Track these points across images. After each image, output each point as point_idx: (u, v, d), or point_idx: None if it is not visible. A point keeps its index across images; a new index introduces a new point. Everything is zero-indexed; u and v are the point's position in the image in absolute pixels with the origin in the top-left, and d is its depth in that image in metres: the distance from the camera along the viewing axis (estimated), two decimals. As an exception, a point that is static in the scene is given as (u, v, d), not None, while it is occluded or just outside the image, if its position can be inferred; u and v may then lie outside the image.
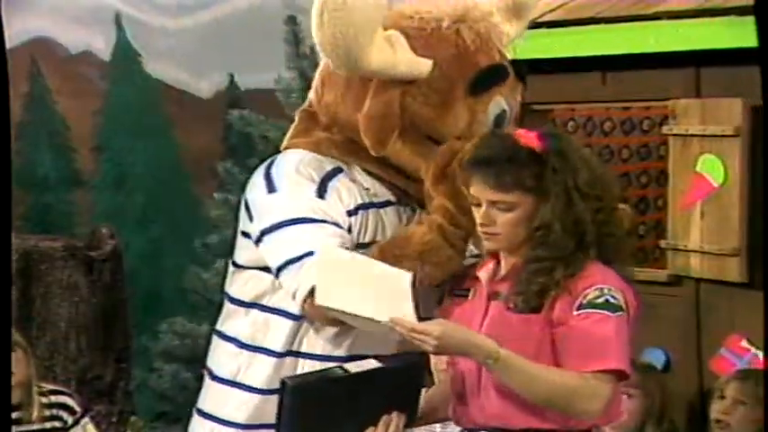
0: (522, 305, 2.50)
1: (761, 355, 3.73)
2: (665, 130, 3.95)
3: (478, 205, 2.53)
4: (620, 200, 2.64)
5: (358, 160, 2.52)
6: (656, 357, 3.77)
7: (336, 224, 2.45)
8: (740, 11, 3.61)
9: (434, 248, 2.46)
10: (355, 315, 2.44)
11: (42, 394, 3.99)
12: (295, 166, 2.50)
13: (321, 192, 2.47)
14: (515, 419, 2.52)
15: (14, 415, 3.92)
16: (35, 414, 3.93)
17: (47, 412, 3.96)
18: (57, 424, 3.98)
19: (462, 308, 2.60)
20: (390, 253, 2.45)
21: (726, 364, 3.79)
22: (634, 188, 4.43)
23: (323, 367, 2.51)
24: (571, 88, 4.16)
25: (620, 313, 2.47)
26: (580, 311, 2.46)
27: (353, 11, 2.32)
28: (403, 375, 2.55)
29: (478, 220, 2.52)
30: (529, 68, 4.09)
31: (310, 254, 2.40)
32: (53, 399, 3.99)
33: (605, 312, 2.45)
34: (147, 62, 7.72)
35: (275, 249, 2.46)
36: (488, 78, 2.47)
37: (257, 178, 2.55)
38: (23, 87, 7.71)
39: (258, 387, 2.56)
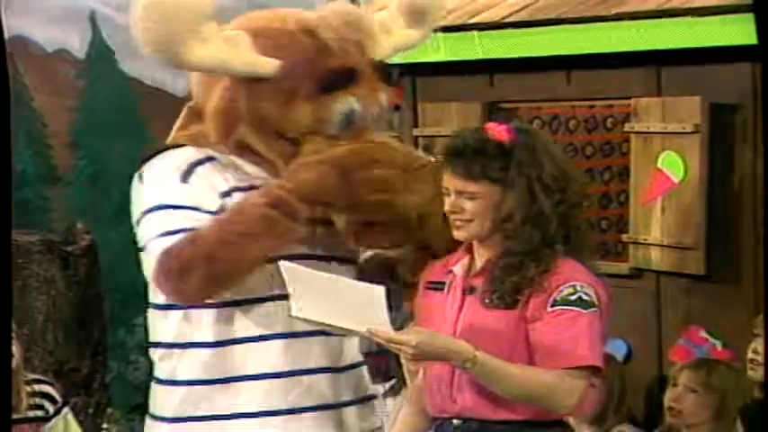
0: (497, 301, 2.51)
1: (719, 345, 3.76)
2: (627, 127, 3.96)
3: (449, 195, 2.56)
4: (585, 196, 2.66)
5: (230, 149, 2.56)
6: (617, 348, 3.79)
7: (197, 208, 2.48)
8: (699, 12, 3.63)
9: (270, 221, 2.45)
10: (333, 326, 2.46)
11: (26, 383, 3.97)
12: (162, 160, 2.56)
13: (185, 177, 2.51)
14: (488, 411, 2.54)
15: None
16: (23, 403, 3.92)
17: (30, 401, 3.94)
18: (39, 413, 3.96)
19: (437, 301, 2.61)
20: (230, 230, 2.44)
21: (685, 353, 3.80)
22: (597, 184, 4.45)
23: (262, 351, 2.53)
24: (537, 87, 4.17)
25: (593, 309, 2.48)
26: (554, 308, 2.46)
27: (174, 7, 2.38)
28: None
29: (447, 209, 2.55)
30: (496, 67, 4.15)
31: (162, 234, 2.45)
32: (36, 387, 3.97)
33: (578, 309, 2.46)
34: (122, 60, 7.69)
35: (140, 236, 2.52)
36: (334, 80, 2.50)
37: (135, 177, 2.62)
38: None
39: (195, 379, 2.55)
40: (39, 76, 7.87)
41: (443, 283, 2.62)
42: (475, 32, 4.13)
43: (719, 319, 3.74)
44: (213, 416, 2.53)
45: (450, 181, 2.54)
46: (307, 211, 2.46)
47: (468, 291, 2.56)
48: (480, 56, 4.13)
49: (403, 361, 4.00)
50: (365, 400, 2.70)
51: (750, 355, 3.24)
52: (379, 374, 4.30)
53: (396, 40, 2.68)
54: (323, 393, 2.58)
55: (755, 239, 3.69)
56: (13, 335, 3.94)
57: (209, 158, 2.56)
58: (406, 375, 4.05)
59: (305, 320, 2.43)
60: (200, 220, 2.46)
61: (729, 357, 3.65)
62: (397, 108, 4.62)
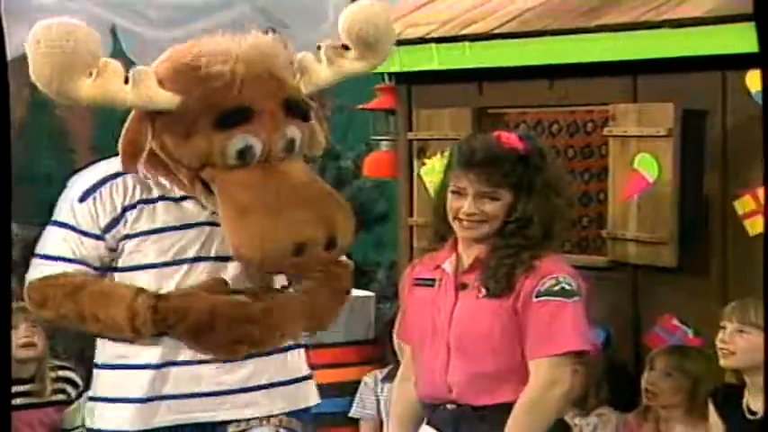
0: (494, 287, 2.54)
1: (690, 332, 3.78)
2: (605, 131, 3.97)
3: (462, 196, 2.59)
4: (573, 195, 2.70)
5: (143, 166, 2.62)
6: (596, 335, 3.81)
7: (81, 231, 2.61)
8: (673, 24, 3.63)
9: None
10: None
11: (51, 369, 3.99)
12: (85, 172, 2.68)
13: (86, 194, 2.62)
14: (481, 397, 2.57)
15: (28, 387, 3.92)
16: (48, 388, 3.93)
17: (54, 386, 3.96)
18: (62, 397, 3.98)
19: (428, 296, 2.63)
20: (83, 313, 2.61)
21: (659, 339, 3.82)
22: (578, 183, 4.48)
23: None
24: (522, 94, 4.18)
25: (576, 298, 2.53)
26: (539, 299, 2.50)
27: (66, 48, 2.41)
28: None
29: (465, 210, 2.58)
30: (485, 76, 4.16)
31: (43, 256, 2.65)
32: (59, 373, 3.99)
33: (561, 299, 2.50)
34: (140, 70, 7.68)
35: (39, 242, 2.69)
36: (228, 118, 2.50)
37: None
38: (26, 94, 7.66)
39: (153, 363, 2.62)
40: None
41: (433, 280, 2.64)
42: (466, 43, 4.14)
43: (690, 308, 3.76)
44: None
45: (472, 185, 2.58)
46: (155, 332, 2.54)
47: (461, 287, 2.58)
48: (470, 65, 4.15)
49: (397, 350, 4.04)
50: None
51: (719, 344, 3.25)
52: (375, 362, 4.33)
53: (337, 70, 2.66)
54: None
55: (723, 235, 3.71)
56: (39, 326, 3.96)
57: (119, 174, 2.62)
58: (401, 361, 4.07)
59: None
60: (80, 245, 2.59)
61: (699, 344, 3.67)
62: (392, 113, 4.65)
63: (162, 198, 2.61)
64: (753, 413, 3.20)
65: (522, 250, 2.55)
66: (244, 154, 2.51)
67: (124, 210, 2.60)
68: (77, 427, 3.98)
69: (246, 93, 2.50)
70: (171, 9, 8.05)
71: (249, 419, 2.60)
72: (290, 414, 2.62)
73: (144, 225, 2.61)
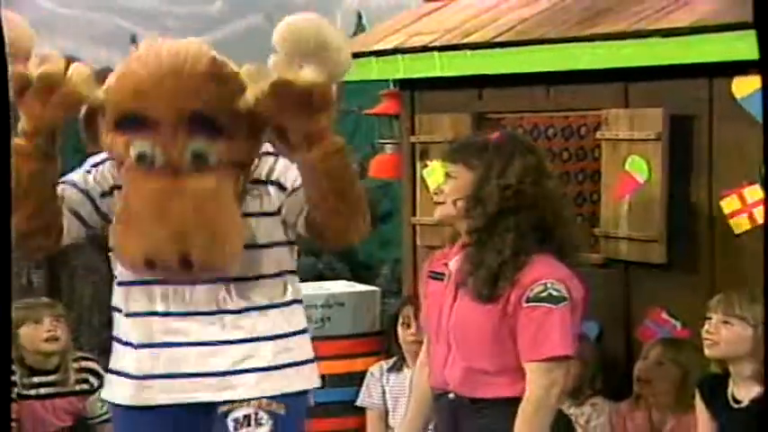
0: (478, 297, 2.53)
1: (678, 325, 3.77)
2: (598, 135, 3.97)
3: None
4: (555, 198, 2.65)
5: None
6: (590, 329, 3.81)
7: (83, 189, 2.66)
8: (663, 33, 3.63)
9: None
10: None
11: (74, 360, 3.99)
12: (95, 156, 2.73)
13: (90, 169, 2.70)
14: (476, 390, 2.56)
15: (52, 378, 3.93)
16: (71, 378, 3.94)
17: (77, 376, 3.97)
18: (85, 386, 3.99)
19: (439, 290, 2.64)
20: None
21: (649, 332, 3.82)
22: (572, 184, 4.47)
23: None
24: (520, 100, 4.18)
25: (563, 303, 2.50)
26: (528, 304, 2.49)
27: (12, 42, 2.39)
28: None
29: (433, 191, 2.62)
30: (485, 82, 4.16)
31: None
32: (83, 364, 4.00)
33: (548, 305, 2.49)
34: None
35: None
36: (124, 123, 2.51)
37: None
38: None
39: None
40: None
41: (443, 275, 2.64)
42: (467, 51, 4.14)
43: (679, 302, 3.76)
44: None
45: (445, 167, 2.61)
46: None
47: (461, 285, 2.58)
48: (471, 72, 4.14)
49: (401, 342, 4.03)
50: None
51: (704, 335, 3.24)
52: (380, 353, 4.33)
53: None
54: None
55: (710, 233, 3.70)
56: (63, 319, 3.97)
57: (105, 160, 2.68)
58: (405, 355, 4.08)
59: None
60: (77, 193, 2.64)
61: (687, 335, 3.67)
62: (396, 117, 4.65)
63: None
64: (737, 401, 3.20)
65: (497, 255, 2.52)
66: (142, 159, 2.49)
67: (112, 188, 2.63)
68: (100, 416, 3.99)
69: (150, 101, 2.46)
70: (189, 18, 8.07)
71: (234, 401, 2.56)
72: (275, 397, 2.58)
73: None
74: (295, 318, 2.66)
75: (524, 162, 2.56)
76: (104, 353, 4.91)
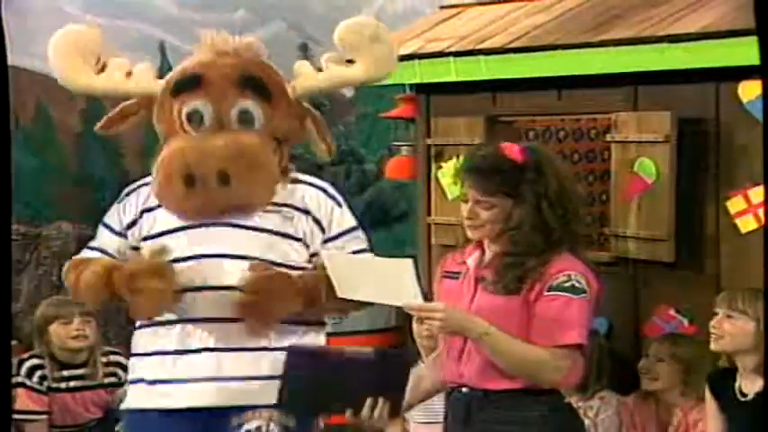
0: (502, 290, 2.53)
1: (686, 322, 3.76)
2: (608, 137, 3.97)
3: (467, 201, 2.58)
4: (583, 208, 2.66)
5: None
6: (599, 324, 3.81)
7: (109, 226, 2.72)
8: (671, 39, 3.62)
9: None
10: (373, 302, 2.49)
11: (103, 354, 4.02)
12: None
13: (122, 199, 2.73)
14: (490, 383, 2.57)
15: (81, 372, 3.96)
16: (100, 371, 3.96)
17: (105, 369, 3.99)
18: (113, 379, 4.01)
19: (453, 287, 2.64)
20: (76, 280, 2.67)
21: (657, 329, 3.82)
22: (582, 185, 4.46)
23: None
24: (532, 103, 4.18)
25: (583, 295, 2.51)
26: (549, 293, 2.50)
27: (69, 47, 2.60)
28: (388, 365, 2.51)
29: (464, 215, 2.58)
30: (498, 87, 4.17)
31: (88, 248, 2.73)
32: (111, 358, 4.02)
33: (569, 295, 2.50)
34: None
35: None
36: (180, 85, 2.60)
37: None
38: (82, 104, 7.72)
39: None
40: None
41: (458, 273, 2.65)
42: (481, 57, 4.15)
43: (686, 300, 3.76)
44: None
45: (470, 192, 2.57)
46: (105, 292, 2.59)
47: (480, 279, 2.59)
48: (485, 77, 4.15)
49: (416, 337, 4.04)
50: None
51: (710, 329, 3.24)
52: (396, 347, 4.33)
53: (332, 77, 2.67)
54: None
55: (716, 232, 3.70)
56: (92, 317, 3.99)
57: (144, 184, 2.69)
58: (420, 350, 4.08)
59: (351, 300, 2.48)
60: (108, 238, 2.69)
61: (695, 332, 3.66)
62: (412, 120, 4.66)
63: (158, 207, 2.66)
64: (744, 395, 3.19)
65: (529, 257, 2.53)
66: (192, 117, 2.56)
67: (142, 212, 2.65)
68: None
69: (203, 66, 2.59)
70: (213, 27, 8.12)
71: (248, 407, 2.56)
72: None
73: (161, 226, 2.63)
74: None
75: (558, 181, 2.54)
76: (130, 347, 4.96)
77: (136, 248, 2.66)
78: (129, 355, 4.04)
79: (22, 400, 3.89)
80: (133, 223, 2.66)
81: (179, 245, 2.58)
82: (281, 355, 2.52)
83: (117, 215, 2.69)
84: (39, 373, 3.94)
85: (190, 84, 2.58)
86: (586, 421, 3.56)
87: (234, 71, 2.58)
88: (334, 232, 2.66)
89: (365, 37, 2.64)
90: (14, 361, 3.90)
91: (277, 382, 2.51)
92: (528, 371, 2.52)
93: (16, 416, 3.82)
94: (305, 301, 2.55)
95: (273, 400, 2.51)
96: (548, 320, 2.50)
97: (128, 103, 2.71)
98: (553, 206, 2.53)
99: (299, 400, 2.47)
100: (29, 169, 7.33)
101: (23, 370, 3.93)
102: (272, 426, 2.55)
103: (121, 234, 2.68)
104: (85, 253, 2.72)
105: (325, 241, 2.65)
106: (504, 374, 2.53)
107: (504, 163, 2.55)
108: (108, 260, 2.62)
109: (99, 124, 2.75)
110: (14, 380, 3.85)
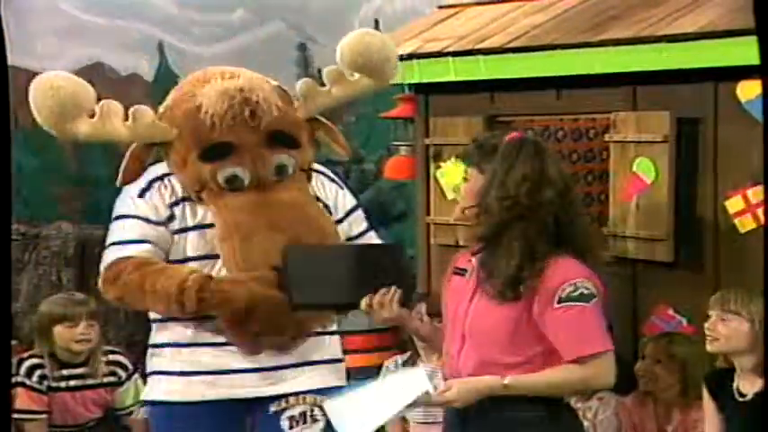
0: (498, 297, 2.50)
1: (684, 321, 3.76)
2: (606, 137, 3.97)
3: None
4: (570, 201, 2.61)
5: None
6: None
7: (146, 219, 2.68)
8: (670, 39, 3.62)
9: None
10: (385, 422, 2.50)
11: (103, 354, 4.01)
12: (137, 181, 2.74)
13: (143, 192, 2.70)
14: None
15: (81, 371, 3.96)
16: (99, 371, 3.96)
17: (106, 369, 3.98)
18: (113, 379, 4.00)
19: (460, 285, 2.61)
20: (143, 287, 2.67)
21: (656, 328, 3.82)
22: (581, 185, 4.47)
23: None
24: (531, 103, 4.18)
25: (594, 300, 2.48)
26: (561, 305, 2.44)
27: (60, 96, 2.51)
28: (387, 253, 2.65)
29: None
30: (497, 86, 4.16)
31: (114, 243, 2.70)
32: (111, 357, 4.01)
33: (582, 304, 2.45)
34: (184, 82, 7.73)
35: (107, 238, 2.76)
36: (213, 153, 2.59)
37: None
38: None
39: None
40: (114, 95, 7.91)
41: (466, 270, 2.62)
42: (480, 57, 4.14)
43: (685, 300, 3.75)
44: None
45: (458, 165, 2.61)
46: (196, 311, 2.60)
47: (481, 283, 2.56)
48: (484, 77, 4.14)
49: (415, 339, 4.03)
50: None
51: (706, 331, 3.24)
52: (396, 347, 4.34)
53: (341, 91, 2.70)
54: None
55: (715, 232, 3.70)
56: (96, 318, 3.98)
57: (168, 174, 2.70)
58: (419, 350, 4.08)
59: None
60: (147, 229, 2.65)
61: (693, 331, 3.66)
62: (411, 120, 4.66)
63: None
64: (742, 395, 3.19)
65: (509, 262, 2.49)
66: (232, 181, 2.60)
67: (171, 206, 2.67)
68: (127, 407, 4.01)
69: (231, 129, 2.58)
70: (212, 26, 8.09)
71: (288, 395, 2.62)
72: (323, 392, 2.63)
73: (189, 220, 2.67)
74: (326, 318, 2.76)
75: (524, 169, 2.47)
76: (130, 346, 4.96)
77: (169, 241, 2.68)
78: (128, 354, 4.11)
79: (22, 399, 3.88)
80: (169, 217, 2.68)
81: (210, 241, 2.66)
82: (317, 341, 2.65)
83: (149, 207, 2.68)
84: (38, 372, 3.93)
85: (222, 153, 2.60)
86: (585, 423, 3.56)
87: (262, 132, 2.61)
88: (340, 214, 2.78)
89: (373, 59, 2.68)
90: (14, 360, 3.90)
91: (318, 367, 2.63)
92: (567, 391, 2.52)
93: (16, 415, 3.81)
94: None
95: (316, 386, 2.61)
96: (566, 334, 2.45)
97: (135, 148, 2.69)
98: (514, 193, 2.45)
99: (308, 292, 2.52)
100: (29, 169, 7.32)
101: (23, 369, 3.92)
102: (315, 410, 2.57)
103: (162, 224, 2.68)
104: (131, 248, 2.67)
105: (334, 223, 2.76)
106: (503, 373, 2.51)
107: (489, 142, 2.56)
108: (186, 270, 2.62)
109: (120, 180, 2.75)
110: (14, 379, 3.84)
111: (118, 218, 2.73)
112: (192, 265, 2.66)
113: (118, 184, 2.73)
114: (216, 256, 2.65)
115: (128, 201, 2.71)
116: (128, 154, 2.69)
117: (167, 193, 2.69)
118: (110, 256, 2.71)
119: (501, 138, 2.55)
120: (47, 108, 2.49)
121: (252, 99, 2.60)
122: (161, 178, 2.71)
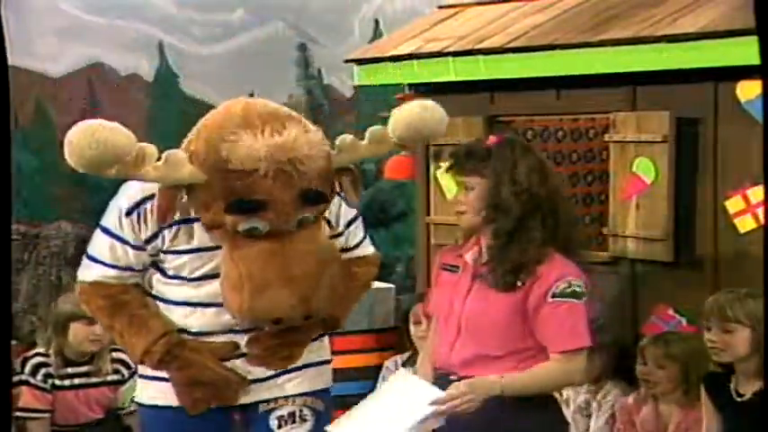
0: (495, 285, 2.58)
1: (684, 321, 3.76)
2: (606, 137, 3.97)
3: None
4: (560, 197, 2.67)
5: None
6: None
7: (125, 241, 2.66)
8: (669, 39, 3.62)
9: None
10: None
11: (107, 352, 4.02)
12: (133, 185, 2.67)
13: (131, 210, 2.65)
14: (480, 373, 2.59)
15: (86, 369, 3.96)
16: (104, 369, 3.97)
17: (110, 367, 3.99)
18: (116, 377, 4.01)
19: (452, 280, 2.70)
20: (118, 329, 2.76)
21: (655, 328, 3.82)
22: (581, 186, 4.48)
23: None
24: (530, 103, 4.18)
25: (584, 299, 2.57)
26: (554, 300, 2.56)
27: (101, 150, 2.41)
28: None
29: (452, 202, 2.67)
30: (496, 87, 4.17)
31: (89, 256, 2.72)
32: (114, 355, 4.02)
33: (573, 301, 2.56)
34: (183, 82, 7.74)
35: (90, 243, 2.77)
36: (243, 207, 2.52)
37: None
38: (82, 104, 7.72)
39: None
40: (114, 95, 7.94)
41: (457, 267, 2.68)
42: (480, 57, 4.15)
43: (684, 299, 3.76)
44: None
45: (455, 177, 2.66)
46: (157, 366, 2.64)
47: (477, 276, 2.62)
48: (484, 77, 4.15)
49: (413, 338, 4.05)
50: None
51: (708, 344, 3.23)
52: (395, 347, 4.34)
53: (378, 148, 2.70)
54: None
55: (714, 232, 3.70)
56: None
57: None
58: (418, 347, 4.09)
59: None
60: (120, 253, 2.66)
61: (693, 331, 3.66)
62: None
63: (198, 219, 2.64)
64: (740, 395, 3.20)
65: (510, 246, 2.58)
66: (252, 232, 2.54)
67: (161, 228, 2.64)
68: (129, 405, 4.01)
69: (263, 186, 2.49)
70: (212, 26, 8.10)
71: (277, 398, 2.63)
72: (312, 394, 2.65)
73: (182, 243, 2.65)
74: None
75: (528, 163, 2.62)
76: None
77: (154, 256, 2.67)
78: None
79: (26, 397, 3.89)
80: (152, 238, 2.65)
81: (216, 263, 2.64)
82: (310, 346, 2.68)
83: (132, 229, 2.65)
84: (43, 370, 3.94)
85: (250, 209, 2.52)
86: (593, 404, 3.59)
87: (293, 188, 2.51)
88: (341, 227, 2.77)
89: (424, 133, 2.67)
90: (19, 359, 3.90)
91: (307, 371, 2.65)
92: (549, 388, 2.62)
93: (19, 414, 3.82)
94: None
95: (304, 390, 2.62)
96: (555, 327, 2.56)
97: (164, 189, 2.57)
98: (528, 184, 2.58)
99: None
100: (29, 169, 7.33)
101: (28, 368, 3.93)
102: (304, 410, 2.58)
103: (141, 248, 2.67)
104: (105, 271, 2.68)
105: (332, 237, 2.73)
106: (495, 367, 2.56)
107: (478, 147, 2.63)
108: (152, 337, 2.64)
109: (158, 221, 2.67)
110: (18, 377, 3.85)
111: (102, 228, 2.72)
112: (185, 284, 2.65)
113: (158, 225, 2.65)
114: (215, 276, 2.61)
115: (115, 213, 2.67)
116: (158, 193, 2.58)
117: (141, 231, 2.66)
118: (85, 271, 2.74)
119: (483, 143, 2.65)
120: (85, 159, 2.40)
121: (294, 159, 2.49)
122: (153, 197, 2.64)
